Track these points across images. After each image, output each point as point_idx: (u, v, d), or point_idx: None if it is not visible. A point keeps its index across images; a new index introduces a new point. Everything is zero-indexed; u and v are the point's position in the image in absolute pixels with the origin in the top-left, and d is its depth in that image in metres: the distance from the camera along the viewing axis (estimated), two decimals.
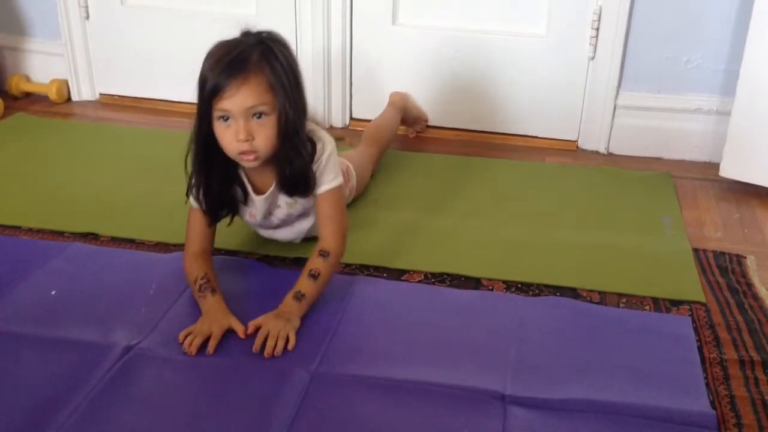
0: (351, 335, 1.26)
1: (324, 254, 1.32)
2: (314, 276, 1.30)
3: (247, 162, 1.29)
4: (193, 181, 1.34)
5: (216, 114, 1.25)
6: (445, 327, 1.29)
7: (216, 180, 1.33)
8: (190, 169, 1.33)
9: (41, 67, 2.41)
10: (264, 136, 1.25)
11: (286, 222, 1.44)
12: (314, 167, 1.33)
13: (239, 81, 1.22)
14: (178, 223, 1.58)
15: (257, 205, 1.39)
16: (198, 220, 1.37)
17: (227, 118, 1.25)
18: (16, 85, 2.38)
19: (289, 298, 1.28)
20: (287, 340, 1.21)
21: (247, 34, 1.27)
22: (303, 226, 1.46)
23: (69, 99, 2.39)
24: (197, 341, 1.19)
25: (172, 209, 1.65)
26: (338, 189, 1.38)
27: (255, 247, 1.52)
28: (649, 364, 1.20)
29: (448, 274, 1.44)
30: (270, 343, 1.19)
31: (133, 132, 2.15)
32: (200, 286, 1.29)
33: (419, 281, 1.43)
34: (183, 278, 1.38)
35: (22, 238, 1.54)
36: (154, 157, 1.95)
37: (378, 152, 1.84)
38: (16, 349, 1.20)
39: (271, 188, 1.36)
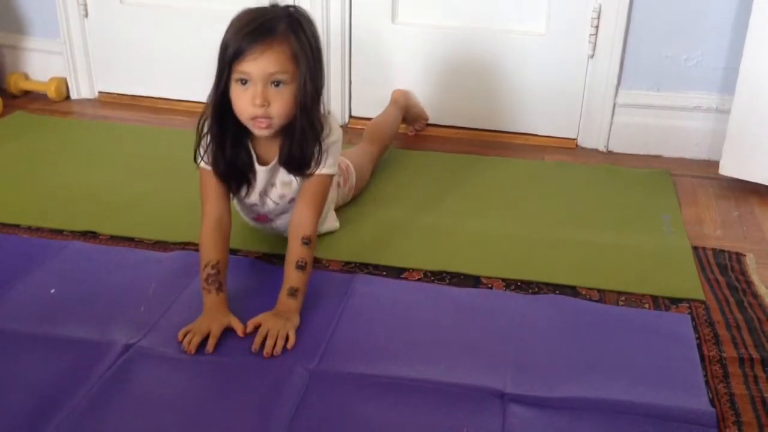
0: (350, 333, 1.26)
1: (306, 242, 1.31)
2: (302, 267, 1.29)
3: (259, 129, 1.27)
4: (207, 145, 1.32)
5: (235, 76, 1.24)
6: (444, 325, 1.29)
7: (228, 145, 1.32)
8: (202, 131, 1.32)
9: (40, 65, 2.41)
10: (281, 104, 1.25)
11: (278, 206, 1.42)
12: (319, 154, 1.33)
13: (263, 46, 1.22)
14: (177, 221, 1.59)
15: (258, 176, 1.37)
16: (212, 182, 1.34)
17: (245, 82, 1.24)
18: (15, 84, 2.38)
19: (283, 296, 1.27)
20: (287, 339, 1.21)
21: (275, 5, 1.28)
22: None
23: (68, 97, 2.39)
24: (196, 339, 1.19)
25: (172, 208, 1.66)
26: (330, 177, 1.38)
27: (253, 245, 1.52)
28: (649, 362, 1.20)
29: (447, 273, 1.44)
30: (269, 342, 1.19)
31: (132, 130, 2.15)
32: (208, 277, 1.27)
33: (418, 279, 1.43)
34: (183, 277, 1.38)
35: (21, 236, 1.54)
36: (153, 156, 1.95)
37: (379, 151, 1.83)
38: (15, 348, 1.20)
39: (274, 161, 1.35)
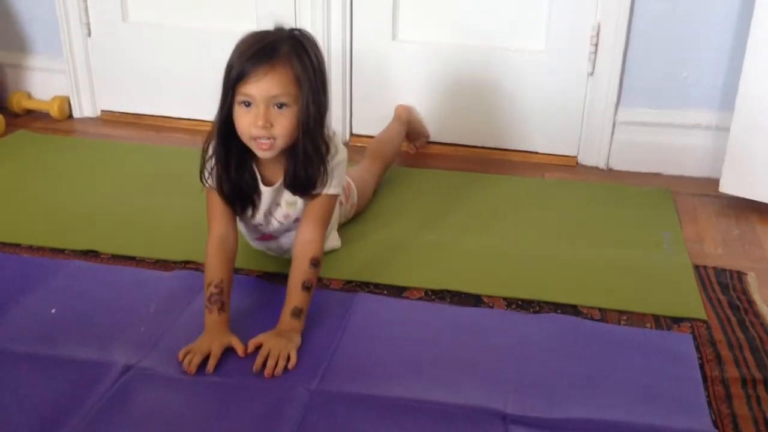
0: (351, 353, 1.25)
1: (315, 263, 1.31)
2: (308, 288, 1.29)
3: (261, 150, 1.28)
4: (212, 167, 1.33)
5: (238, 99, 1.25)
6: (445, 345, 1.28)
7: (233, 167, 1.32)
8: (207, 153, 1.33)
9: (43, 84, 2.42)
10: (283, 125, 1.26)
11: (283, 225, 1.42)
12: (324, 175, 1.33)
13: (266, 68, 1.23)
14: (179, 240, 1.60)
15: (264, 197, 1.37)
16: (218, 202, 1.35)
17: (249, 104, 1.25)
18: (18, 102, 2.39)
19: (287, 316, 1.27)
20: (288, 359, 1.21)
21: (280, 29, 1.29)
22: None
23: (70, 116, 2.40)
24: (196, 359, 1.19)
25: (173, 226, 1.66)
26: (335, 198, 1.39)
27: (255, 264, 1.52)
28: (651, 382, 1.19)
29: (448, 291, 1.44)
30: (270, 363, 1.19)
31: (134, 148, 2.16)
32: (211, 296, 1.27)
33: (419, 298, 1.43)
34: (184, 296, 1.38)
35: (22, 255, 1.54)
36: (155, 174, 1.96)
37: (382, 168, 1.84)
38: (15, 368, 1.20)
39: (279, 182, 1.36)
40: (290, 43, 1.26)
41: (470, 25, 2.07)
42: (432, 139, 2.15)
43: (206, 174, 1.33)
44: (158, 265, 1.51)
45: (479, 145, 2.16)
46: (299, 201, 1.38)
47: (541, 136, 2.12)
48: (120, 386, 1.15)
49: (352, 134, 2.24)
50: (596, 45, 1.98)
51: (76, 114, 2.40)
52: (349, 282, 1.47)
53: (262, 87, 1.23)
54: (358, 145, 2.18)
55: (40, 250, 1.56)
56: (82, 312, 1.35)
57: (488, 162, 2.11)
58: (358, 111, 2.22)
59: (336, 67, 2.15)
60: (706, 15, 1.90)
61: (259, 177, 1.36)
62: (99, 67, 2.35)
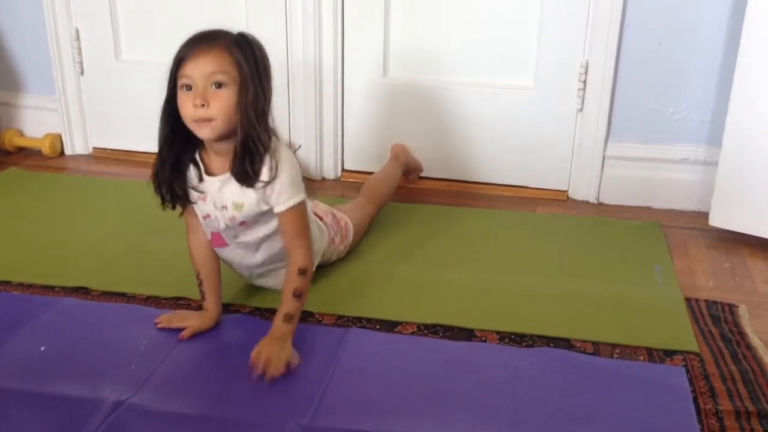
0: (344, 388, 1.25)
1: (302, 272, 1.35)
2: (298, 296, 1.34)
3: (202, 131, 1.29)
4: (156, 162, 1.36)
5: (180, 83, 1.29)
6: (438, 379, 1.28)
7: (173, 151, 1.35)
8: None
9: (35, 121, 2.43)
10: (220, 104, 1.27)
11: (229, 227, 1.40)
12: (270, 181, 1.33)
13: (203, 49, 1.27)
14: (170, 276, 1.59)
15: (210, 187, 1.37)
16: (184, 210, 1.43)
17: (189, 87, 1.28)
18: (10, 140, 2.40)
19: (279, 321, 1.32)
20: (287, 364, 1.27)
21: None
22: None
23: (62, 153, 2.41)
24: (173, 324, 1.39)
25: (164, 263, 1.66)
26: (300, 205, 1.38)
27: (245, 299, 1.51)
28: (645, 415, 1.19)
29: (440, 326, 1.44)
30: (270, 370, 1.24)
31: (125, 185, 2.16)
32: (199, 285, 1.43)
33: (412, 333, 1.42)
34: (175, 333, 1.37)
35: (12, 292, 1.53)
36: (145, 211, 1.92)
37: (377, 208, 1.85)
38: (5, 406, 1.19)
39: (225, 174, 1.35)
40: (232, 35, 1.31)
41: (460, 63, 2.10)
42: (423, 174, 2.16)
43: (155, 170, 1.37)
44: (149, 302, 1.51)
45: (470, 180, 2.18)
46: (246, 204, 1.36)
47: (531, 171, 2.13)
48: (110, 423, 1.14)
49: (343, 170, 2.25)
50: (584, 82, 2.01)
51: (68, 151, 2.41)
52: (341, 317, 1.46)
53: (198, 66, 1.26)
54: (350, 180, 2.20)
55: (31, 287, 1.56)
56: (73, 349, 1.34)
57: (479, 197, 2.12)
58: (349, 147, 2.23)
59: (327, 104, 2.17)
60: (693, 51, 1.93)
61: (202, 168, 1.37)
62: (91, 104, 2.37)
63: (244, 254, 1.45)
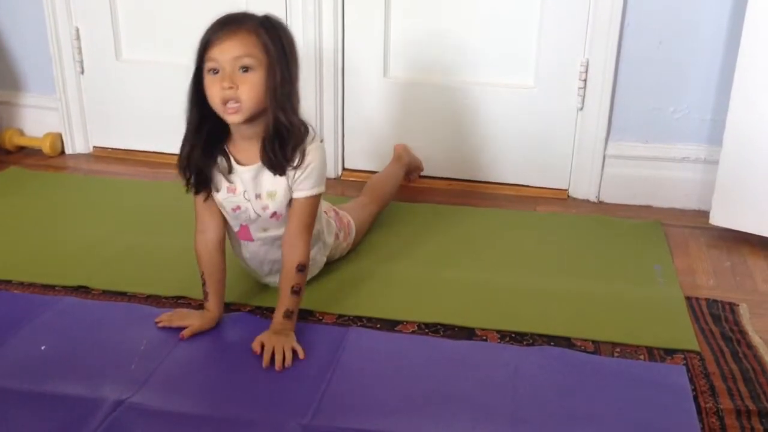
0: (344, 387, 1.25)
1: (301, 269, 1.36)
2: (296, 292, 1.35)
3: (230, 114, 1.29)
4: (183, 145, 1.36)
5: (207, 67, 1.28)
6: (439, 378, 1.28)
7: (204, 142, 1.34)
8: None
9: (35, 120, 2.43)
10: (249, 87, 1.27)
11: (261, 218, 1.41)
12: (300, 165, 1.34)
13: (230, 32, 1.27)
14: (170, 275, 1.59)
15: (243, 177, 1.37)
16: (200, 200, 1.41)
17: (217, 71, 1.27)
18: (10, 139, 2.40)
19: (279, 317, 1.34)
20: (295, 352, 1.30)
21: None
22: None
23: (63, 152, 2.41)
24: (174, 323, 1.38)
25: (165, 262, 1.66)
26: (317, 198, 1.40)
27: (247, 299, 1.51)
28: (646, 414, 1.19)
29: (441, 325, 1.44)
30: (278, 357, 1.27)
31: (126, 184, 2.16)
32: (203, 285, 1.41)
33: (412, 332, 1.42)
34: (175, 333, 1.37)
35: (12, 292, 1.53)
36: (146, 209, 1.96)
37: (379, 208, 1.85)
38: (5, 406, 1.19)
39: (257, 164, 1.36)
40: (259, 18, 1.31)
41: (461, 62, 2.10)
42: (424, 173, 2.16)
43: (181, 159, 1.36)
44: (150, 301, 1.51)
45: (471, 179, 2.18)
46: (279, 193, 1.38)
47: (532, 170, 2.13)
48: (110, 422, 1.14)
49: (344, 168, 2.25)
50: (585, 81, 2.01)
51: (68, 150, 2.41)
52: (341, 316, 1.46)
53: (225, 48, 1.26)
54: (351, 179, 2.19)
55: (31, 286, 1.56)
56: (73, 348, 1.34)
57: (480, 196, 2.12)
58: (349, 146, 2.23)
59: (328, 103, 2.17)
60: (693, 51, 1.93)
61: (232, 158, 1.37)
62: (91, 103, 2.37)
63: (270, 249, 1.46)
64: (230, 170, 1.37)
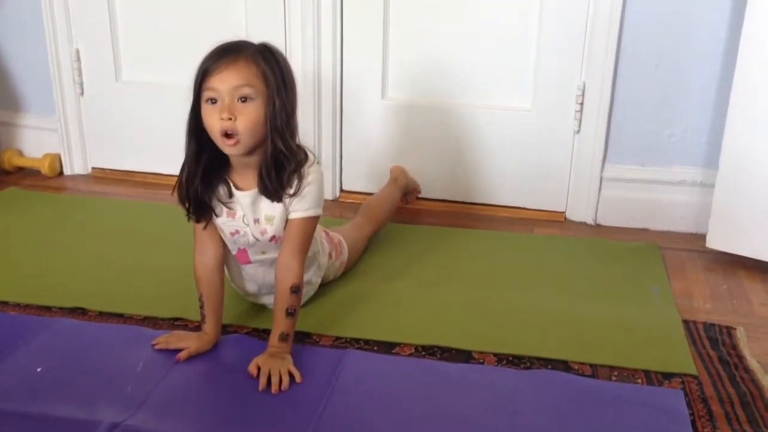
0: (341, 409, 1.24)
1: (295, 291, 1.36)
2: (291, 314, 1.35)
3: (229, 147, 1.29)
4: (182, 174, 1.36)
5: (204, 96, 1.28)
6: (436, 401, 1.27)
7: (202, 172, 1.34)
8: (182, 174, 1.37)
9: (34, 141, 2.44)
10: (247, 118, 1.27)
11: (259, 243, 1.42)
12: (297, 191, 1.35)
13: (229, 62, 1.27)
14: (167, 296, 1.59)
15: (241, 202, 1.37)
16: (199, 226, 1.41)
17: (215, 101, 1.27)
18: (9, 160, 2.40)
19: (275, 340, 1.34)
20: (291, 375, 1.29)
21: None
22: None
23: (61, 173, 2.41)
24: (171, 345, 1.36)
25: (162, 283, 1.66)
26: (314, 220, 1.40)
27: (244, 321, 1.51)
28: None
29: (438, 347, 1.44)
30: (275, 380, 1.26)
31: (124, 205, 2.16)
32: (201, 307, 1.40)
33: (410, 354, 1.42)
34: (171, 355, 1.36)
35: (8, 313, 1.53)
36: (144, 231, 1.96)
37: (374, 229, 1.85)
38: (0, 426, 1.18)
39: (255, 189, 1.37)
40: (256, 47, 1.31)
41: (458, 84, 2.11)
42: (421, 195, 2.17)
43: (179, 186, 1.37)
44: (146, 322, 1.50)
45: (468, 201, 2.18)
46: (276, 217, 1.38)
47: (529, 193, 2.14)
48: None
49: (342, 190, 2.25)
50: (582, 104, 2.02)
51: (67, 171, 2.41)
52: (338, 338, 1.46)
53: (224, 78, 1.26)
54: (348, 201, 2.20)
55: (28, 307, 1.55)
56: (69, 370, 1.33)
57: (477, 218, 2.12)
58: (348, 168, 2.24)
59: (326, 125, 2.18)
60: (689, 74, 1.95)
61: (231, 184, 1.38)
62: (91, 125, 2.38)
63: (267, 270, 1.46)
64: (230, 195, 1.38)
